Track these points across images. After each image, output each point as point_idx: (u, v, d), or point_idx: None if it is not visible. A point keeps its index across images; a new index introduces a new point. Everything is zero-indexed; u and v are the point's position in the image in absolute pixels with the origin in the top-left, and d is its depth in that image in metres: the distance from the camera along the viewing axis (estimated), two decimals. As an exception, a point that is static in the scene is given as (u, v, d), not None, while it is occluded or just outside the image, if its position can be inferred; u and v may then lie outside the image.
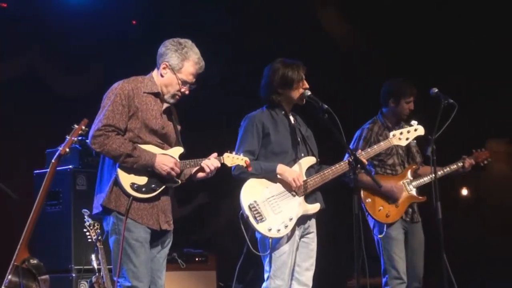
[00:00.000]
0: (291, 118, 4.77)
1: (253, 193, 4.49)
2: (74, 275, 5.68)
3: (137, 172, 4.01)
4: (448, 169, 5.67)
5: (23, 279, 3.79)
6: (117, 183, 3.99)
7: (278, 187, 4.55)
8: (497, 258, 8.20)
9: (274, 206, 4.50)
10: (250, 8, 7.62)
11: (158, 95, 4.17)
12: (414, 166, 5.67)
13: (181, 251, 6.74)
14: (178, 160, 4.11)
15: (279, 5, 7.65)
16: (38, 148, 6.05)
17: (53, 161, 3.85)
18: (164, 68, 4.16)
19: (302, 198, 4.57)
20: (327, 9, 8.17)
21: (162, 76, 4.18)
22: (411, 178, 5.60)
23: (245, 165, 4.31)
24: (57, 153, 3.84)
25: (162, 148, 4.13)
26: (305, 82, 4.68)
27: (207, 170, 4.18)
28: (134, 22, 7.61)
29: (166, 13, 7.49)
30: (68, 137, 3.87)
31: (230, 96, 7.64)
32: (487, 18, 7.58)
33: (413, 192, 5.57)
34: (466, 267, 6.84)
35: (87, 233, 5.35)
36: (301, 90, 4.67)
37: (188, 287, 6.73)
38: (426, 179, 5.55)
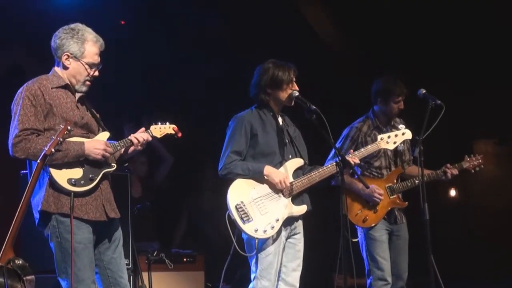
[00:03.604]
0: (279, 119, 4.77)
1: (240, 193, 4.49)
2: (61, 275, 5.64)
3: (70, 166, 3.94)
4: (430, 176, 5.52)
5: (8, 280, 3.75)
6: (52, 184, 3.93)
7: (265, 188, 4.55)
8: (484, 258, 8.23)
9: (261, 207, 4.50)
10: (239, 9, 7.62)
11: (66, 87, 4.09)
12: (400, 171, 5.61)
13: (169, 252, 6.72)
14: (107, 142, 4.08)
15: (269, 7, 7.66)
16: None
17: (38, 161, 3.82)
18: (66, 59, 4.07)
19: (289, 199, 4.57)
20: (315, 9, 8.19)
21: (66, 68, 4.09)
22: (395, 183, 5.54)
23: (173, 132, 4.32)
24: (42, 153, 3.80)
25: (88, 137, 4.07)
26: (294, 84, 4.68)
27: (135, 141, 4.15)
28: (122, 22, 7.59)
29: (155, 13, 7.49)
30: (53, 138, 3.84)
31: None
32: (473, 20, 7.61)
33: (395, 197, 5.52)
34: (453, 267, 6.86)
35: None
36: (289, 91, 4.67)
37: (176, 288, 6.73)
38: (409, 184, 5.49)
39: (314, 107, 4.50)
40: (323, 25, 8.26)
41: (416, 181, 5.40)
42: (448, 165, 5.63)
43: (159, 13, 7.51)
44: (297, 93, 4.64)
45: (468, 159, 5.69)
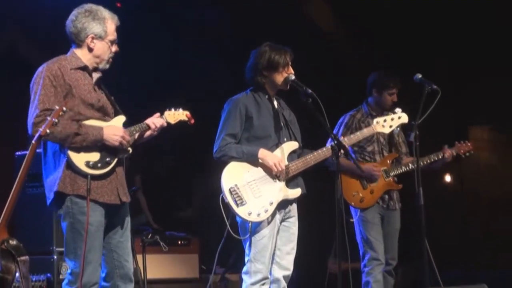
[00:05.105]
0: (275, 102, 4.76)
1: (234, 176, 4.49)
2: (55, 257, 5.65)
3: (88, 149, 3.95)
4: (427, 160, 5.65)
5: (2, 260, 3.76)
6: (70, 165, 3.93)
7: (260, 171, 4.54)
8: (479, 245, 8.27)
9: (255, 190, 4.50)
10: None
11: (85, 68, 4.10)
12: (394, 155, 5.70)
13: (163, 234, 6.74)
14: (124, 129, 4.09)
15: (270, 5, 7.66)
16: (21, 129, 5.99)
17: (33, 142, 3.81)
18: (91, 41, 4.08)
19: (283, 183, 4.57)
20: (318, 6, 8.19)
21: (91, 49, 4.10)
22: (390, 167, 5.62)
23: (187, 118, 4.36)
24: (37, 134, 3.79)
25: (104, 120, 4.07)
26: (290, 68, 4.67)
27: (153, 126, 4.20)
28: (118, 4, 7.54)
29: (154, 12, 7.48)
30: (49, 118, 3.82)
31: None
32: (471, 6, 7.60)
33: (390, 179, 5.59)
34: (447, 253, 6.90)
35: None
36: (285, 75, 4.66)
37: (170, 270, 6.75)
38: (404, 169, 5.59)
39: (310, 90, 4.50)
40: (326, 22, 8.26)
41: (411, 166, 5.50)
42: (445, 145, 5.73)
43: (158, 12, 7.49)
44: (293, 77, 4.64)
45: (459, 144, 5.79)
